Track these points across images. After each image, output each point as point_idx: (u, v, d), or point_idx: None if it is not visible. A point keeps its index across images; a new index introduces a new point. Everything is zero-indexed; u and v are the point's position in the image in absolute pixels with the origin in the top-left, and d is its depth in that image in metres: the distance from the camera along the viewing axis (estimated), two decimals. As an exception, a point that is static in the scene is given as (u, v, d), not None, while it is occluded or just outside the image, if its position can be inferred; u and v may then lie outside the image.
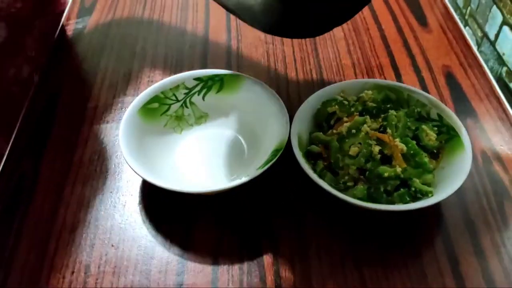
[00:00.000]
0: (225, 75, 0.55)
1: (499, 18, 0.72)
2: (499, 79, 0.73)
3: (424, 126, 0.48)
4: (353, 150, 0.45)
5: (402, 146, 0.45)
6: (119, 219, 0.47)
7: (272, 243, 0.44)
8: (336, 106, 0.50)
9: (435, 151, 0.48)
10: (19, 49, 0.60)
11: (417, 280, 0.42)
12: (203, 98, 0.55)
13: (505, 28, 0.71)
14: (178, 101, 0.54)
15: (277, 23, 0.44)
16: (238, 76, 0.54)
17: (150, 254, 0.44)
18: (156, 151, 0.50)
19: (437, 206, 0.47)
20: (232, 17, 0.70)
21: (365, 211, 0.45)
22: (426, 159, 0.46)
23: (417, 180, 0.44)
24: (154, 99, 0.52)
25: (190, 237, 0.45)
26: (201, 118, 0.55)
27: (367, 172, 0.45)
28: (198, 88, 0.54)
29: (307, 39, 0.66)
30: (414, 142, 0.46)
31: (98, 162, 0.52)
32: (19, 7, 0.59)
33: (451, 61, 0.63)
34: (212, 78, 0.55)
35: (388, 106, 0.50)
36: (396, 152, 0.45)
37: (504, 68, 0.71)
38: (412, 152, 0.45)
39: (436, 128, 0.48)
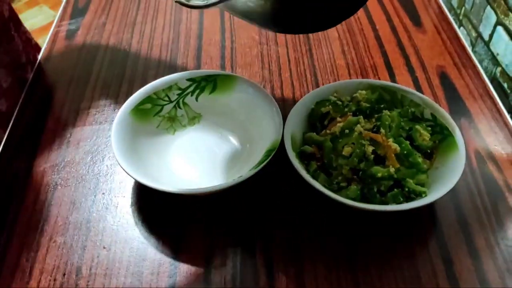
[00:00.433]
0: (218, 75, 0.54)
1: (493, 19, 0.72)
2: (493, 79, 0.73)
3: (418, 126, 0.48)
4: (347, 150, 0.45)
5: (395, 146, 0.45)
6: (111, 220, 0.46)
7: (265, 244, 0.44)
8: (330, 106, 0.50)
9: (428, 151, 0.48)
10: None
11: (411, 281, 0.41)
12: (196, 99, 0.54)
13: (499, 28, 0.71)
14: (171, 102, 0.54)
15: (276, 18, 0.44)
16: (231, 76, 0.54)
17: (142, 255, 0.44)
18: (148, 152, 0.50)
19: (431, 207, 0.47)
20: (226, 17, 0.70)
21: (358, 211, 0.45)
22: (420, 159, 0.46)
23: (411, 180, 0.44)
24: (147, 100, 0.52)
25: (183, 238, 0.45)
26: (195, 118, 0.54)
27: (361, 173, 0.45)
28: (191, 89, 0.54)
29: (301, 40, 0.66)
30: (408, 142, 0.46)
31: (90, 163, 0.51)
32: None
33: (445, 61, 0.62)
34: (206, 78, 0.54)
35: (382, 106, 0.49)
36: (389, 152, 0.45)
37: (498, 68, 0.71)
38: (405, 152, 0.45)
39: (430, 128, 0.48)
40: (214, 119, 0.54)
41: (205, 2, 0.37)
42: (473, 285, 0.41)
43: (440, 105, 0.50)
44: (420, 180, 0.45)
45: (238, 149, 0.51)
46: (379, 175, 0.44)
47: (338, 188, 0.45)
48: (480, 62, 0.75)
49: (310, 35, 0.67)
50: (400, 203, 0.43)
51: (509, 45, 0.67)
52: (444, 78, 0.60)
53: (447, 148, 0.47)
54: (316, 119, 0.50)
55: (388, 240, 0.44)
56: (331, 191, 0.43)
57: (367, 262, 0.43)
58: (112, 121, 0.49)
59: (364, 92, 0.51)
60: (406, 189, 0.44)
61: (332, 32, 0.67)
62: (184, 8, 0.72)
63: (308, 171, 0.45)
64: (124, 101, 0.51)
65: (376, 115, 0.48)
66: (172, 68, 0.63)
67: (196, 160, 0.51)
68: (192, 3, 0.38)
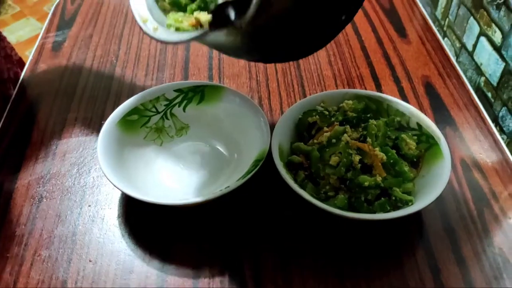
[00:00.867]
0: (206, 86, 0.54)
1: (476, 29, 0.74)
2: (477, 89, 0.74)
3: (403, 135, 0.48)
4: (334, 160, 0.45)
5: (382, 155, 0.45)
6: (98, 233, 0.46)
7: (253, 255, 0.44)
8: (317, 116, 0.50)
9: (415, 160, 0.48)
10: None
11: (399, 290, 0.41)
12: (184, 110, 0.54)
13: (482, 39, 0.72)
14: (158, 112, 0.53)
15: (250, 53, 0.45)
16: (219, 87, 0.54)
17: (129, 268, 0.43)
18: (136, 163, 0.49)
19: (417, 215, 0.47)
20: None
21: (346, 220, 0.45)
22: (406, 168, 0.46)
23: (398, 189, 0.44)
24: (134, 111, 0.52)
25: (170, 250, 0.44)
26: (182, 129, 0.54)
27: (348, 182, 0.45)
28: (178, 100, 0.54)
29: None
30: (394, 151, 0.46)
31: (76, 175, 0.51)
32: None
33: (430, 71, 0.63)
34: (193, 89, 0.54)
35: (368, 115, 0.50)
36: (376, 161, 0.45)
37: (482, 78, 0.73)
38: (392, 161, 0.45)
39: (415, 137, 0.49)
40: (202, 130, 0.54)
41: (171, 37, 0.37)
42: (461, 293, 0.41)
43: (425, 115, 0.51)
44: (406, 189, 0.45)
45: (225, 160, 0.51)
46: (366, 184, 0.44)
47: (326, 198, 0.45)
48: (464, 72, 0.77)
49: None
50: (387, 211, 0.43)
51: (492, 55, 0.69)
52: (429, 88, 0.61)
53: (433, 156, 0.47)
54: (304, 129, 0.50)
55: (375, 249, 0.44)
56: (319, 200, 0.43)
57: (355, 270, 0.43)
58: (98, 132, 0.49)
59: (350, 102, 0.52)
60: (393, 198, 0.44)
61: (318, 43, 0.68)
62: (172, 20, 0.73)
63: (295, 181, 0.45)
64: (111, 112, 0.51)
65: (362, 125, 0.49)
66: (159, 79, 0.63)
67: (184, 171, 0.51)
68: (157, 36, 0.38)
